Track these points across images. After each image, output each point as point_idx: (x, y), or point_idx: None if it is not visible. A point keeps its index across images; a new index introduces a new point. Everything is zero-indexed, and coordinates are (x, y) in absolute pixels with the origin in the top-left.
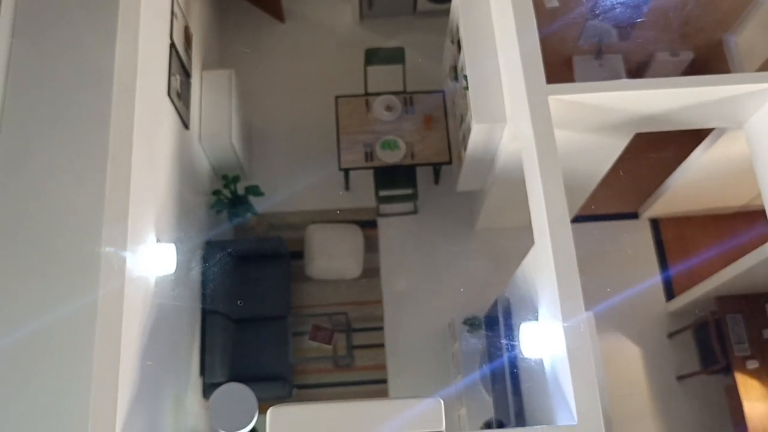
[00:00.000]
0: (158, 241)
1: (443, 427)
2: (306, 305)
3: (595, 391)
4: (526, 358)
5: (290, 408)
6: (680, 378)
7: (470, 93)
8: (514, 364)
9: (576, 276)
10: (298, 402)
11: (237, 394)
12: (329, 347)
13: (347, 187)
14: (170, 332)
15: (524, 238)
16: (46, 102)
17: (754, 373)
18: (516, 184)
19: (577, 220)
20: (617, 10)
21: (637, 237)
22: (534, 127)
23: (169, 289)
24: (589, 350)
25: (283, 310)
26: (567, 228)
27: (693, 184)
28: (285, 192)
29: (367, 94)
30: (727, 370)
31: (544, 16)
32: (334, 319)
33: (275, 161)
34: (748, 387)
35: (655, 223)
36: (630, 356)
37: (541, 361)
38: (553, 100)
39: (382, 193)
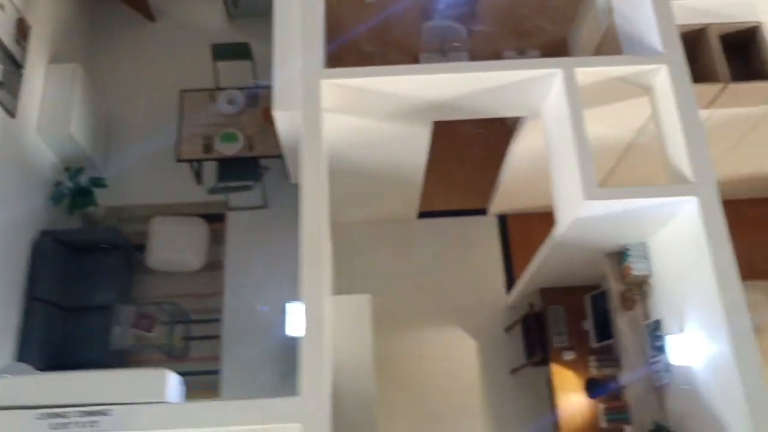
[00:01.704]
0: None
1: (165, 398)
2: (148, 296)
3: (322, 367)
4: None
5: (18, 379)
6: (513, 371)
7: (273, 81)
8: None
9: (318, 260)
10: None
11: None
12: (151, 335)
13: (199, 181)
14: None
15: (369, 233)
16: None
17: (570, 364)
18: (339, 175)
19: (424, 215)
20: (445, 8)
21: (485, 232)
22: (305, 109)
23: None
24: (322, 330)
25: (115, 299)
26: (322, 213)
27: (517, 179)
28: (139, 185)
29: (217, 89)
30: (548, 362)
31: (364, 11)
32: (168, 309)
33: (134, 155)
34: (563, 378)
35: (503, 219)
36: (467, 350)
37: None
38: (328, 84)
39: (219, 184)
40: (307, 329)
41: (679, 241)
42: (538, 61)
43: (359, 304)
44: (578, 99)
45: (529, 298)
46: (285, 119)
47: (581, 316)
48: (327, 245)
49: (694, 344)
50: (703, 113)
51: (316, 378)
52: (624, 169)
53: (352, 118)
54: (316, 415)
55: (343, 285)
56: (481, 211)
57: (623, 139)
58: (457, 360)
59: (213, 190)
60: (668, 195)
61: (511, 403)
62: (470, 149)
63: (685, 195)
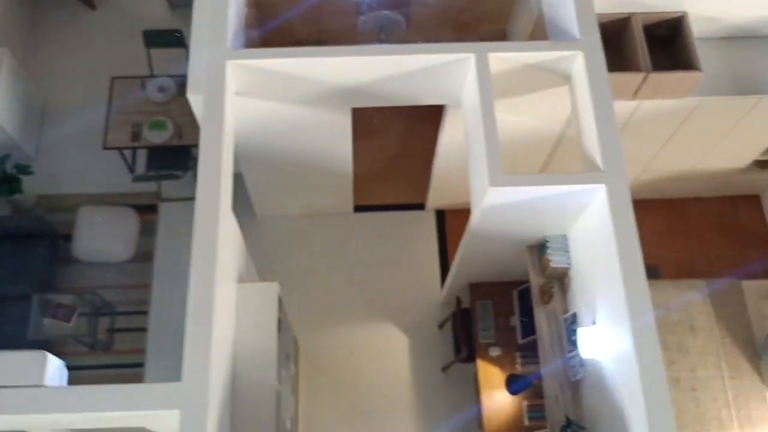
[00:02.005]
0: None
1: (44, 382)
2: (73, 287)
3: (207, 354)
4: None
5: None
6: (444, 368)
7: (189, 64)
8: None
9: (211, 246)
10: None
11: None
12: (70, 325)
13: (132, 171)
14: None
15: (305, 226)
16: None
17: (496, 361)
18: (266, 164)
19: (361, 209)
20: None
21: (422, 227)
22: (207, 90)
23: None
24: (210, 316)
25: (34, 289)
26: (219, 198)
27: (449, 172)
28: (72, 174)
29: (151, 76)
30: (474, 358)
31: None
32: (89, 299)
33: (69, 144)
34: (488, 375)
35: (441, 214)
36: (399, 347)
37: None
38: (236, 65)
39: (148, 172)
40: (193, 315)
41: (593, 232)
42: (451, 45)
43: (266, 292)
44: (489, 83)
45: (459, 294)
46: (199, 103)
47: (510, 311)
48: (227, 232)
49: (603, 337)
50: (631, 104)
51: (199, 365)
52: (559, 162)
53: (269, 103)
54: (196, 402)
55: (274, 278)
56: (420, 206)
57: (554, 131)
58: (387, 356)
59: (137, 178)
60: (574, 183)
61: (441, 400)
62: (403, 141)
63: (592, 183)
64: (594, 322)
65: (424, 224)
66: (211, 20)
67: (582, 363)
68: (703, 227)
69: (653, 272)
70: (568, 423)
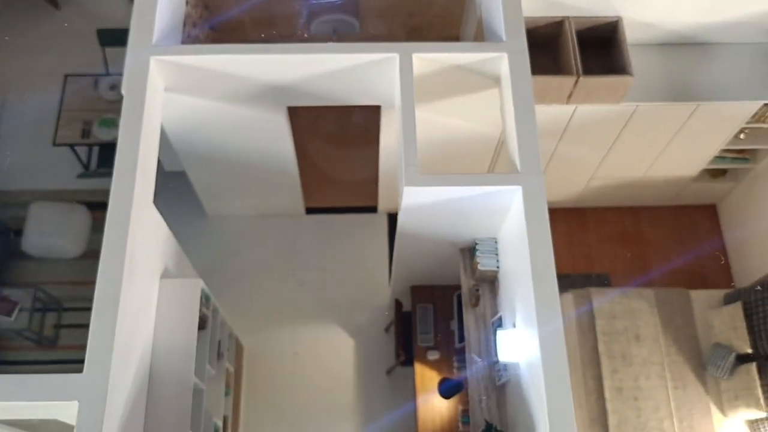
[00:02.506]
0: None
1: None
2: (22, 282)
3: (110, 347)
4: None
5: None
6: (388, 372)
7: (126, 61)
8: None
9: (118, 242)
10: None
11: None
12: (11, 319)
13: (86, 168)
14: None
15: (255, 226)
16: None
17: (434, 364)
18: (207, 163)
19: (313, 211)
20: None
21: (373, 230)
22: (128, 85)
23: None
24: (115, 309)
25: None
26: (132, 193)
27: (392, 174)
28: (28, 170)
29: (107, 74)
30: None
31: None
32: (30, 293)
33: (25, 140)
34: (425, 379)
35: (393, 217)
36: (344, 349)
37: None
38: (162, 62)
39: (99, 170)
40: (97, 307)
41: (513, 235)
42: (376, 45)
43: (188, 288)
44: (411, 82)
45: (401, 297)
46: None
47: (451, 315)
48: (146, 226)
49: (519, 341)
50: (567, 109)
51: (100, 357)
52: (504, 165)
53: (202, 101)
54: (95, 394)
55: (224, 277)
56: (372, 209)
57: (494, 134)
58: (333, 359)
59: (83, 175)
60: (490, 184)
61: (384, 403)
62: (351, 142)
63: (507, 184)
64: (514, 326)
65: (376, 227)
66: (137, 16)
67: (506, 367)
68: (657, 236)
69: (604, 280)
70: (488, 427)
